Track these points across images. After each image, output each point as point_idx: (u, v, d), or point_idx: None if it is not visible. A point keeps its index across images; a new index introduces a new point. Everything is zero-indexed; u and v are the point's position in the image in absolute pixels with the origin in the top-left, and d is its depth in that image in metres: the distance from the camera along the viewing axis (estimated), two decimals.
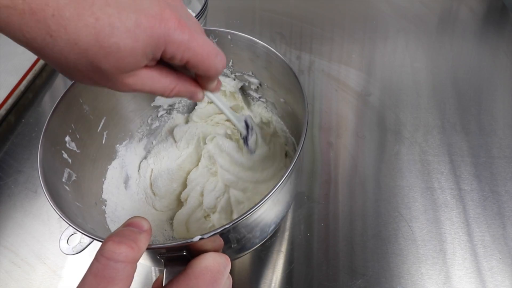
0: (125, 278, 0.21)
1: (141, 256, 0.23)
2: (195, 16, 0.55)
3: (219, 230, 0.27)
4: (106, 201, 0.44)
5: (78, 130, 0.40)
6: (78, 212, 0.36)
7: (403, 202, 0.50)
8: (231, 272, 0.44)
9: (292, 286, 0.43)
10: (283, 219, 0.40)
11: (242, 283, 0.44)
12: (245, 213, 0.27)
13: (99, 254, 0.21)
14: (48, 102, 0.65)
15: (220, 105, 0.37)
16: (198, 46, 0.25)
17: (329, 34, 0.75)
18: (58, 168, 0.37)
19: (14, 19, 0.20)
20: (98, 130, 0.44)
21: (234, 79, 0.48)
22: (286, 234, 0.47)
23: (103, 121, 0.44)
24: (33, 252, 0.47)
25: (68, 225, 0.30)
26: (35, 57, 0.70)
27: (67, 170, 0.38)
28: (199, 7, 0.60)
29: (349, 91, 0.64)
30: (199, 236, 0.26)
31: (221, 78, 0.47)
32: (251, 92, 0.49)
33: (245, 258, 0.46)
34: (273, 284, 0.44)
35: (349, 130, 0.58)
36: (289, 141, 0.46)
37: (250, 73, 0.45)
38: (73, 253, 0.35)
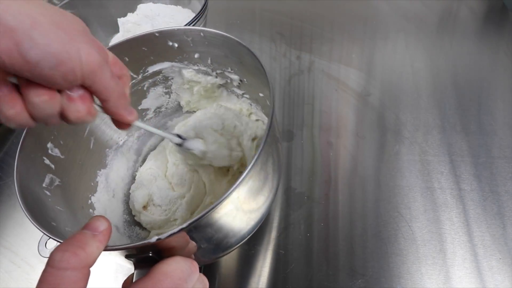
0: (71, 284, 0.21)
1: (93, 260, 0.23)
2: (195, 16, 0.55)
3: (175, 230, 0.26)
4: (94, 204, 0.43)
5: (61, 137, 0.39)
6: (58, 216, 0.35)
7: (403, 202, 0.49)
8: (225, 272, 0.44)
9: (292, 286, 0.43)
10: (261, 220, 0.38)
11: (242, 283, 0.44)
12: (201, 215, 0.26)
13: (47, 262, 0.22)
14: None
15: (147, 128, 0.35)
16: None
17: (329, 34, 0.75)
18: (38, 174, 0.36)
19: None
20: (85, 135, 0.44)
21: (216, 77, 0.47)
22: (286, 234, 0.47)
23: (88, 126, 0.44)
24: (33, 252, 0.47)
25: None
26: None
27: (49, 176, 0.37)
28: (199, 7, 0.60)
29: (349, 91, 0.64)
30: (156, 237, 0.26)
31: (203, 76, 0.47)
32: (235, 89, 0.48)
33: (244, 259, 0.46)
34: (273, 284, 0.44)
35: (349, 130, 0.58)
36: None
37: (229, 70, 0.45)
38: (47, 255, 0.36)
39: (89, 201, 0.43)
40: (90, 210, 0.42)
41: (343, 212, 0.49)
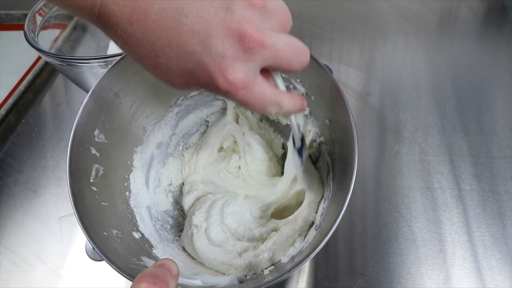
0: None
1: None
2: None
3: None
4: (130, 185, 0.44)
5: (107, 120, 0.40)
6: (104, 216, 0.36)
7: (403, 202, 0.49)
8: None
9: (292, 286, 0.43)
10: None
11: None
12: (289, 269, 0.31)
13: None
14: (48, 102, 0.65)
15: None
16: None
17: (329, 34, 0.75)
18: (86, 168, 0.37)
19: None
20: (128, 114, 0.43)
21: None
22: None
23: (134, 105, 0.44)
24: (33, 252, 0.47)
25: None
26: (35, 57, 0.70)
27: (95, 166, 0.38)
28: None
29: (349, 91, 0.64)
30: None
31: None
32: None
33: None
34: (272, 284, 0.43)
35: None
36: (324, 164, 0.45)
37: (298, 80, 0.44)
38: (99, 259, 0.36)
39: (126, 183, 0.43)
40: (127, 193, 0.43)
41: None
